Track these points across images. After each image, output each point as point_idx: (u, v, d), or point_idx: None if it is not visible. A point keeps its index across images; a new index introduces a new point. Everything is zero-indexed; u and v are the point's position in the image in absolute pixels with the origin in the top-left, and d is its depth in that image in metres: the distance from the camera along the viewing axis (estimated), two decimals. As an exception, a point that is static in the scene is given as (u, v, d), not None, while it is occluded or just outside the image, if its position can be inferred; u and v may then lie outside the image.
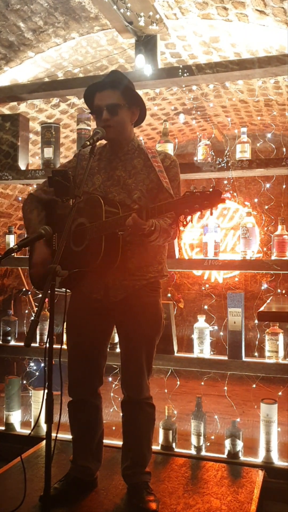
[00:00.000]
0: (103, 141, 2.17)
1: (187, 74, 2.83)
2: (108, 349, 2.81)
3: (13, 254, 1.89)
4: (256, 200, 5.00)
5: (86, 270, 2.00)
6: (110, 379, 2.97)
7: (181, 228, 1.72)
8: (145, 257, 2.09)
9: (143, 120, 2.21)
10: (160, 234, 1.92)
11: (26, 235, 2.34)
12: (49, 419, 1.58)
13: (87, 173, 1.89)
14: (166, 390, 3.17)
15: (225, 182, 5.34)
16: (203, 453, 2.73)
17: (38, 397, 3.01)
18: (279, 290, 4.44)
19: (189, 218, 1.68)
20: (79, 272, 1.97)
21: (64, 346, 2.56)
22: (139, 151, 2.16)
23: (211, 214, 1.66)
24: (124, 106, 2.06)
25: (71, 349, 2.21)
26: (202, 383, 3.35)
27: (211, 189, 1.63)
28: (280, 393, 3.06)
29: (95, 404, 2.26)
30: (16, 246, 1.79)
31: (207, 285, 5.71)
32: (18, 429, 3.12)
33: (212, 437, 2.95)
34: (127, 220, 1.81)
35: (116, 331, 2.36)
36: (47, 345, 1.60)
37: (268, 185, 3.54)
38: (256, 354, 3.24)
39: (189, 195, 1.65)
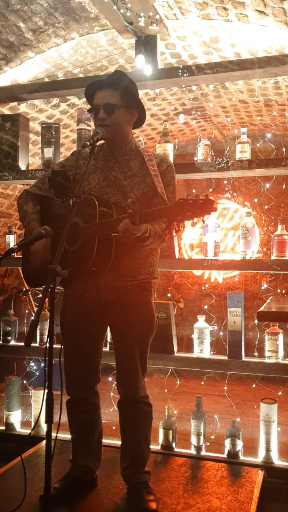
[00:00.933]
0: (101, 141, 2.17)
1: (187, 74, 2.84)
2: (108, 349, 2.83)
3: (13, 254, 1.90)
4: (256, 200, 5.00)
5: (79, 270, 2.01)
6: (110, 379, 2.97)
7: (174, 234, 1.72)
8: (137, 259, 2.10)
9: (143, 122, 2.21)
10: (154, 240, 1.92)
11: (23, 233, 2.35)
12: (49, 419, 1.58)
13: (87, 173, 1.90)
14: (166, 390, 3.17)
15: (225, 182, 5.34)
16: (203, 453, 2.73)
17: (38, 397, 3.01)
18: (279, 290, 4.44)
19: (181, 224, 1.68)
20: (72, 271, 1.97)
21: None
22: (136, 153, 2.15)
23: (203, 222, 1.67)
24: (121, 107, 2.05)
25: (67, 348, 2.20)
26: (202, 383, 3.35)
27: (204, 197, 1.63)
28: (280, 393, 3.06)
29: (93, 402, 2.26)
30: (16, 246, 1.80)
31: (207, 285, 5.71)
32: (18, 429, 3.12)
33: (212, 437, 2.96)
34: (119, 226, 1.81)
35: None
36: (47, 345, 1.61)
37: (268, 185, 3.54)
38: (256, 354, 3.25)
39: (182, 202, 1.65)
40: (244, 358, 2.76)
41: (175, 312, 3.02)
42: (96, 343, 2.25)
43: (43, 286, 2.09)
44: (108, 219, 1.92)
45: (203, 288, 5.72)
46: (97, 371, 2.26)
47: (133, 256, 2.07)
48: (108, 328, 2.33)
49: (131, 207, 1.79)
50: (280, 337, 2.73)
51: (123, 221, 1.81)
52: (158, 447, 2.78)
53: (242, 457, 2.67)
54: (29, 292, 4.84)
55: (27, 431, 3.05)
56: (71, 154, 2.33)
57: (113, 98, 2.04)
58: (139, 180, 2.10)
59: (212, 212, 1.63)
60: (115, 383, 2.22)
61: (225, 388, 3.05)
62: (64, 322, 2.20)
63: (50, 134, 3.15)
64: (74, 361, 2.19)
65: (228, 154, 2.84)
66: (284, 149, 3.69)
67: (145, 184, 2.09)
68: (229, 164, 2.76)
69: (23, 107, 3.82)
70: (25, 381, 3.69)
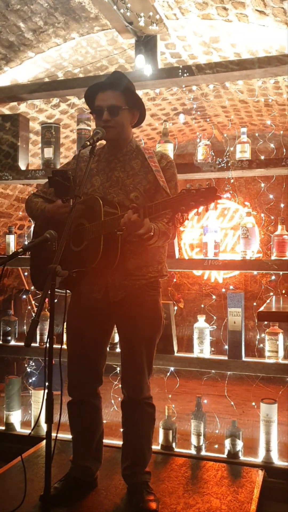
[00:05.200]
0: (103, 142, 2.17)
1: (187, 74, 2.83)
2: (108, 349, 2.82)
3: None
4: (256, 200, 5.00)
5: (85, 270, 2.01)
6: (110, 379, 2.97)
7: (178, 226, 1.73)
8: (144, 257, 2.10)
9: (142, 122, 2.22)
10: (159, 237, 1.92)
11: (23, 232, 2.35)
12: (49, 419, 1.58)
13: (87, 173, 1.90)
14: (166, 390, 3.17)
15: (225, 182, 5.34)
16: (203, 453, 2.73)
17: (38, 397, 3.01)
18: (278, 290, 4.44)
19: (185, 216, 1.69)
20: (79, 272, 1.98)
21: (64, 346, 2.57)
22: (137, 152, 2.16)
23: (207, 210, 1.67)
24: (125, 108, 2.06)
25: (71, 349, 2.21)
26: (202, 383, 3.35)
27: (206, 186, 1.64)
28: (280, 393, 3.06)
29: (95, 404, 2.26)
30: (21, 249, 1.81)
31: (204, 287, 5.71)
32: (18, 429, 3.12)
33: (212, 437, 2.95)
34: (122, 220, 1.81)
35: (116, 330, 2.36)
36: (47, 345, 1.61)
37: (268, 185, 3.54)
38: (256, 354, 3.24)
39: (184, 192, 1.66)
40: (244, 358, 2.76)
41: (175, 312, 3.02)
42: (101, 345, 2.25)
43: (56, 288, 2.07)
44: (113, 216, 1.92)
45: (203, 288, 5.71)
46: (100, 373, 2.26)
47: (140, 254, 2.07)
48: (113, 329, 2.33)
49: (134, 201, 1.79)
50: (280, 337, 2.73)
51: (125, 215, 1.81)
52: (158, 447, 2.77)
53: (242, 457, 2.67)
54: (29, 292, 4.84)
55: (27, 431, 3.05)
56: (73, 158, 2.33)
57: (116, 99, 2.04)
58: (141, 178, 2.10)
59: (216, 199, 1.64)
60: (115, 382, 2.22)
61: (225, 388, 3.04)
62: (69, 324, 2.20)
63: (50, 134, 3.15)
64: (78, 362, 2.19)
65: (228, 154, 2.84)
66: (284, 149, 3.69)
67: (147, 181, 2.09)
68: (229, 164, 2.76)
69: (23, 107, 3.82)
70: (25, 381, 3.69)
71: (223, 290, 5.38)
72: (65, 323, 2.55)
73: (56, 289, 1.63)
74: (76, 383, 2.21)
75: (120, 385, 2.24)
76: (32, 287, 2.31)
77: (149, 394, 2.20)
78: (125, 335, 2.19)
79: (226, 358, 2.79)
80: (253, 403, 3.43)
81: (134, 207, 1.79)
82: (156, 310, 2.18)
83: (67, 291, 2.10)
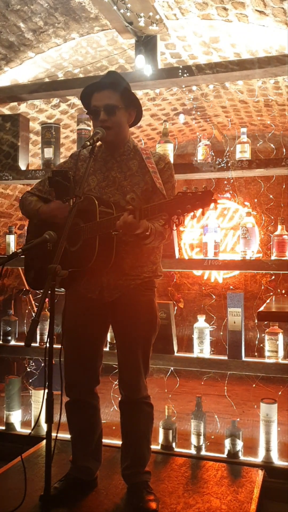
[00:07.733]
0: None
1: (187, 74, 2.84)
2: (108, 349, 2.83)
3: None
4: (256, 200, 5.00)
5: (81, 270, 2.01)
6: (110, 379, 2.97)
7: (174, 228, 1.74)
8: (139, 257, 2.10)
9: (138, 121, 2.21)
10: (155, 237, 1.92)
11: (23, 232, 2.35)
12: (49, 419, 1.58)
13: (87, 172, 1.90)
14: (166, 390, 3.17)
15: (225, 182, 5.34)
16: (203, 452, 2.73)
17: (38, 396, 3.01)
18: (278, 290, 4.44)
19: (181, 218, 1.69)
20: (74, 271, 1.97)
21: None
22: (134, 152, 2.16)
23: (203, 214, 1.68)
24: (121, 107, 2.06)
25: (67, 350, 2.20)
26: (202, 383, 3.35)
27: (202, 190, 1.64)
28: (280, 393, 3.06)
29: (93, 404, 2.26)
30: (20, 250, 1.81)
31: (204, 287, 5.71)
32: (18, 428, 3.12)
33: (212, 437, 2.95)
34: (117, 223, 1.82)
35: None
36: (47, 345, 1.61)
37: (268, 185, 3.55)
38: (256, 354, 3.25)
39: (181, 195, 1.67)
40: (244, 358, 2.76)
41: (175, 312, 3.02)
42: (97, 345, 2.25)
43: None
44: (109, 217, 1.92)
45: (203, 288, 5.72)
46: (97, 373, 2.26)
47: (135, 254, 2.07)
48: (109, 328, 2.33)
49: (130, 203, 1.80)
50: (280, 337, 2.73)
51: (121, 217, 1.81)
52: (158, 447, 2.78)
53: (242, 457, 2.67)
54: (29, 292, 4.84)
55: (27, 431, 3.06)
56: (70, 157, 2.33)
57: (112, 99, 2.04)
58: (138, 179, 2.10)
59: (212, 203, 1.65)
60: (115, 382, 2.22)
61: (225, 388, 3.05)
62: (65, 324, 2.20)
63: (50, 134, 3.15)
64: (74, 363, 2.19)
65: (228, 154, 2.84)
66: (284, 149, 3.69)
67: (144, 182, 2.09)
68: (229, 164, 2.76)
69: (23, 107, 3.82)
70: (25, 381, 3.69)
71: (223, 290, 5.38)
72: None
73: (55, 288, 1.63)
74: (73, 383, 2.21)
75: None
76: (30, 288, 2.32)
77: (147, 394, 2.20)
78: (120, 335, 2.19)
79: (226, 358, 2.79)
80: (253, 403, 3.43)
81: (130, 209, 1.79)
82: (152, 310, 2.18)
83: (63, 289, 2.11)
